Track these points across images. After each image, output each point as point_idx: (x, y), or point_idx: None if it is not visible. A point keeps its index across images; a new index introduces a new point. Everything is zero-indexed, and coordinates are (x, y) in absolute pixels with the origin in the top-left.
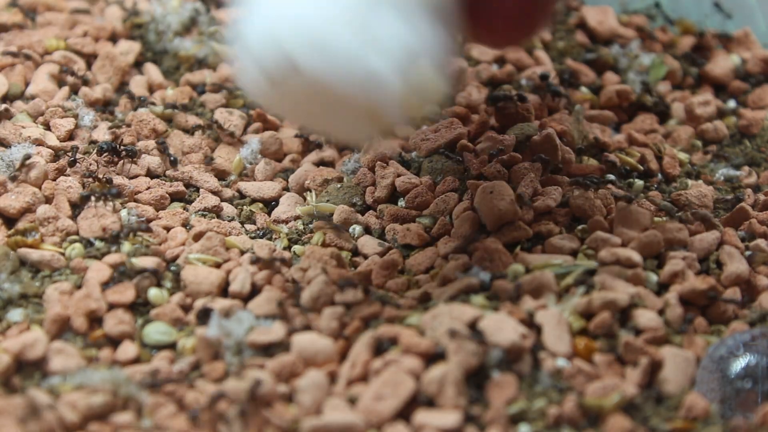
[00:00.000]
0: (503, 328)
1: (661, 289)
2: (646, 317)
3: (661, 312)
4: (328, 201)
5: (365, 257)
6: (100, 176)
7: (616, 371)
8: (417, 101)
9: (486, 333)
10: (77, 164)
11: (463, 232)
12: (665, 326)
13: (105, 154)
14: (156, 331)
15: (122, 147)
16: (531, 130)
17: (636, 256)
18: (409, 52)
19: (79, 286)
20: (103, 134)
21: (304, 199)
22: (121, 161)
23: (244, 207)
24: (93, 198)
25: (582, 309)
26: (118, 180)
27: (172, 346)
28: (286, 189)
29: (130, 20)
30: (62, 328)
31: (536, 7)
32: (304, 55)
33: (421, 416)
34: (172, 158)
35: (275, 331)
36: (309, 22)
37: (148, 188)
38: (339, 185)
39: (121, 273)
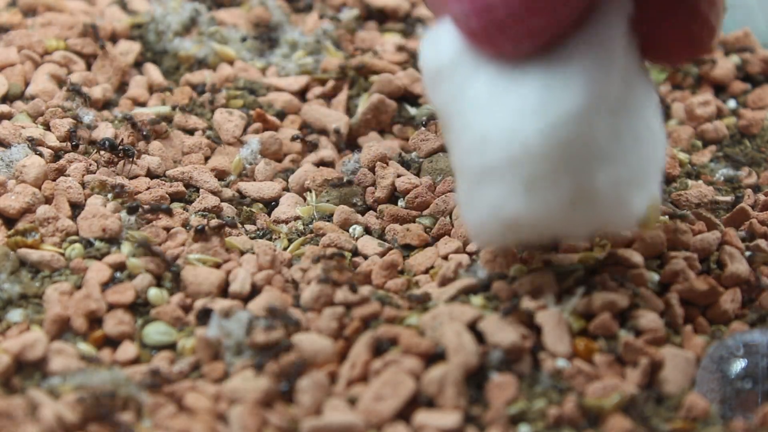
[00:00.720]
0: (503, 328)
1: (663, 289)
2: (646, 318)
3: (662, 313)
4: (328, 201)
5: (365, 257)
6: (107, 179)
7: (616, 371)
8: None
9: (486, 333)
10: (79, 147)
11: (463, 231)
12: (666, 326)
13: (105, 152)
14: (156, 331)
15: (121, 146)
16: None
17: (637, 257)
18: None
19: (78, 287)
20: (103, 132)
21: (304, 199)
22: (122, 161)
23: (244, 207)
24: (141, 209)
25: (582, 309)
26: (118, 180)
27: (172, 346)
28: (286, 189)
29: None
30: (62, 329)
31: (705, 31)
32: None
33: (421, 416)
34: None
35: (275, 331)
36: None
37: (148, 188)
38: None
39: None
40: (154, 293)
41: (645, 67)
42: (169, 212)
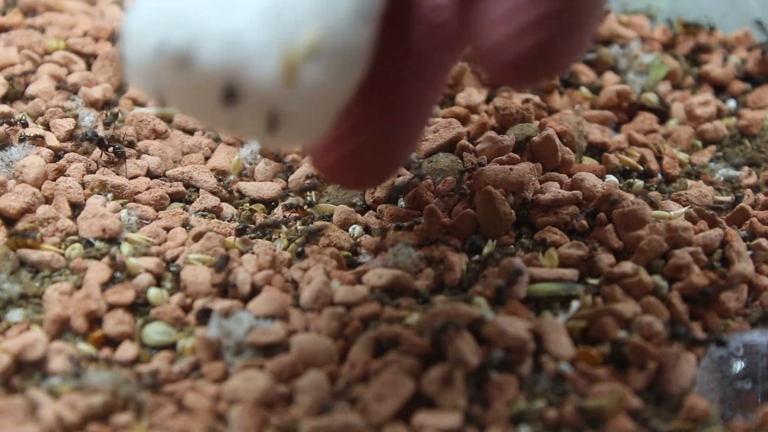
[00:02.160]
0: (510, 325)
1: (671, 286)
2: (646, 320)
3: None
4: (327, 201)
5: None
6: (107, 179)
7: (617, 374)
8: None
9: (494, 331)
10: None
11: (463, 230)
12: (668, 326)
13: (89, 144)
14: (156, 331)
15: (109, 143)
16: (531, 130)
17: (630, 269)
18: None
19: (78, 287)
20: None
21: (304, 199)
22: (121, 161)
23: (245, 207)
24: (248, 230)
25: (584, 315)
26: (118, 180)
27: (172, 346)
28: (286, 189)
29: None
30: (62, 329)
31: (550, 51)
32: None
33: (421, 417)
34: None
35: (275, 331)
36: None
37: (148, 188)
38: (339, 185)
39: None
40: (154, 293)
41: None
42: (276, 226)
